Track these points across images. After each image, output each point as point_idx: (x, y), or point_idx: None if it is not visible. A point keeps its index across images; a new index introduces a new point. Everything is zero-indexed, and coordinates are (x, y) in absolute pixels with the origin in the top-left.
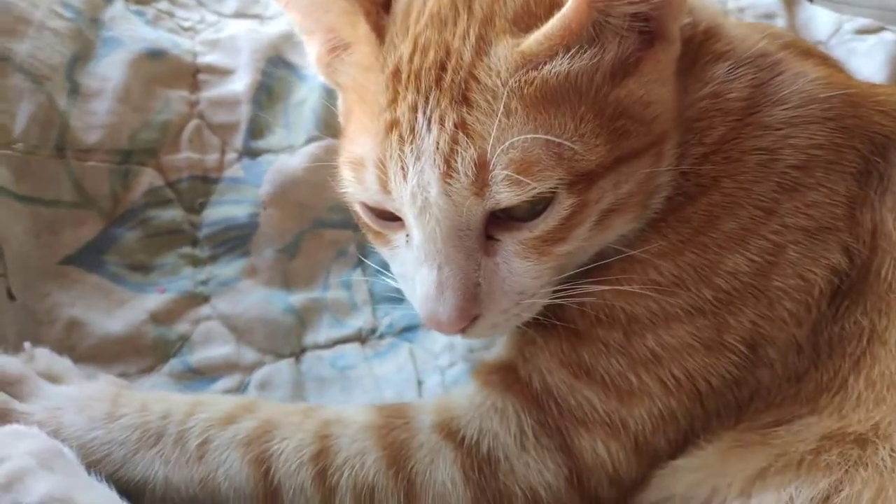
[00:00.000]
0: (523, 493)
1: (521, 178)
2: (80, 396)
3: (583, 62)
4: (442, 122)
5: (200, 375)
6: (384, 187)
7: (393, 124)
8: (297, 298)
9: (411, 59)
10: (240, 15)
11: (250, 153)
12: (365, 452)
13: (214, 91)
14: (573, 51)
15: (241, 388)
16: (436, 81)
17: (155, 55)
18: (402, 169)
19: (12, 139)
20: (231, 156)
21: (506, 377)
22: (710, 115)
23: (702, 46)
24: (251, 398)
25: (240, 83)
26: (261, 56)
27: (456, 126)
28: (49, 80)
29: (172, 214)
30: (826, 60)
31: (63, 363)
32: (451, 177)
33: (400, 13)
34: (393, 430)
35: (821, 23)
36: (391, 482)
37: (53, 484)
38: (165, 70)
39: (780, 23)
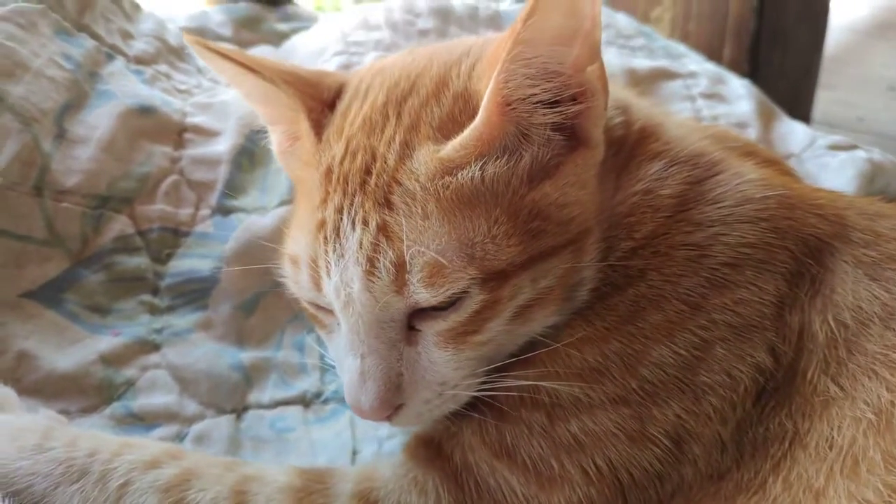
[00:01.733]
0: None
1: (434, 280)
2: (14, 425)
3: (498, 168)
4: (365, 223)
5: (140, 421)
6: (316, 285)
7: (322, 224)
8: (248, 356)
9: (342, 162)
10: None
11: (223, 211)
12: None
13: (198, 150)
14: (487, 158)
15: (178, 439)
16: (360, 185)
17: (145, 111)
18: (327, 265)
19: None
20: (204, 212)
21: (430, 451)
22: (640, 211)
23: (638, 145)
24: (179, 447)
25: (223, 144)
26: (247, 123)
27: (378, 228)
28: (38, 122)
29: (138, 262)
30: (771, 163)
31: (5, 392)
32: (373, 275)
33: (339, 114)
34: (310, 494)
35: (796, 137)
36: None
37: None
38: (153, 126)
39: (752, 133)
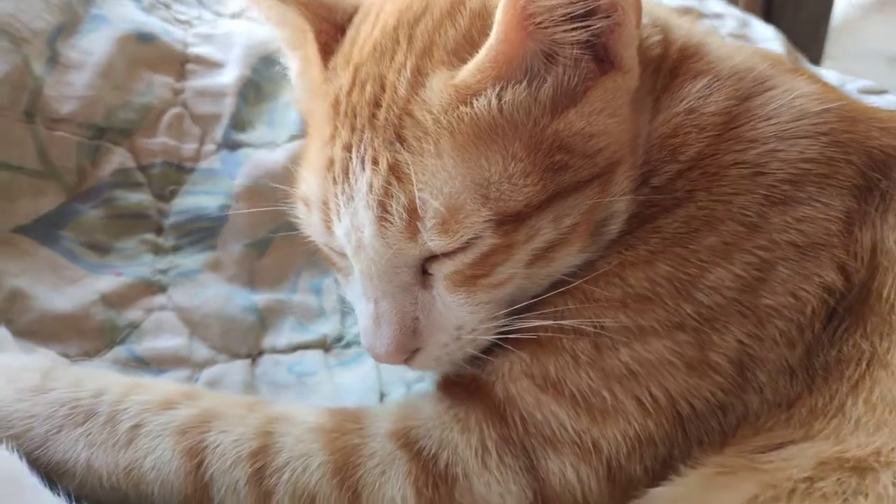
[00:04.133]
0: None
1: (448, 226)
2: (10, 366)
3: (517, 95)
4: (375, 162)
5: (146, 366)
6: (328, 228)
7: (330, 163)
8: (261, 298)
9: (350, 93)
10: (238, 17)
11: (229, 145)
12: (310, 455)
13: (201, 81)
14: (506, 83)
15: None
16: (369, 119)
17: (144, 38)
18: (337, 208)
19: None
20: (209, 147)
21: (469, 387)
22: (684, 132)
23: (678, 65)
24: (196, 386)
25: (228, 76)
26: (254, 53)
27: (389, 168)
28: (28, 43)
29: (140, 198)
30: (818, 80)
31: None
32: (385, 220)
33: (349, 39)
34: (344, 434)
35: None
36: (335, 491)
37: None
38: (153, 54)
39: None
